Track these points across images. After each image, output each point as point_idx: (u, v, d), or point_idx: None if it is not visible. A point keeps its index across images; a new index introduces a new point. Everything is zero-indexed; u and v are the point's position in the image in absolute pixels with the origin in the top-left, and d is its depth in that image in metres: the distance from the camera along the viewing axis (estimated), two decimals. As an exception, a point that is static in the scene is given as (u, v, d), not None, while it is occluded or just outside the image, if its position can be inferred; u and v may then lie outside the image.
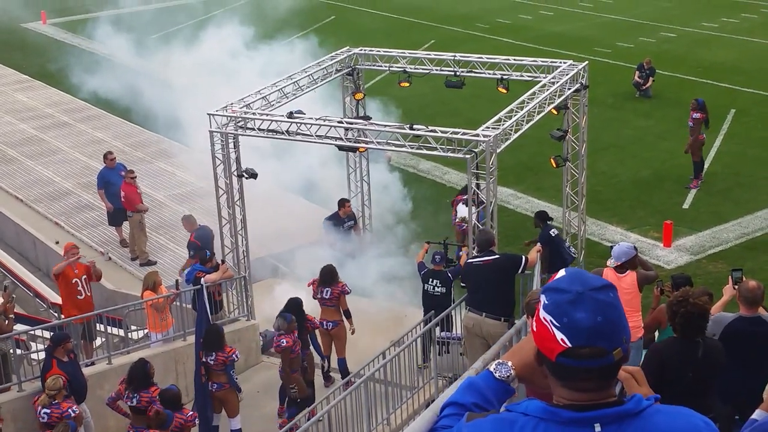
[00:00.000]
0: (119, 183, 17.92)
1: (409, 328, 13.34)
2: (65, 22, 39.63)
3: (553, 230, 15.26)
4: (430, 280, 13.49)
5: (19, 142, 24.85)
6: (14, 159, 23.68)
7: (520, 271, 11.53)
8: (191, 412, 11.11)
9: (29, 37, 38.44)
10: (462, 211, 16.85)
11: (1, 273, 17.72)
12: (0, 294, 13.62)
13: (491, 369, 2.85)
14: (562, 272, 2.63)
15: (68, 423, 10.91)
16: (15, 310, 13.52)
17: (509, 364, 2.85)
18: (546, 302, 2.57)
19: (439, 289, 13.40)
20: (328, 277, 13.75)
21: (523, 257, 11.63)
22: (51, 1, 42.87)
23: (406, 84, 17.10)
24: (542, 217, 15.51)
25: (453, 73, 16.51)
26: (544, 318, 2.55)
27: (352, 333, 13.92)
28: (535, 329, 2.60)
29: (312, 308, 13.77)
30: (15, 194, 21.43)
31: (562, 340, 2.51)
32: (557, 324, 2.52)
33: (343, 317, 13.88)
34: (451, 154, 13.40)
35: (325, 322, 13.80)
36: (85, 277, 14.30)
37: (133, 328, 15.10)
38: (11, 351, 12.65)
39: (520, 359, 2.85)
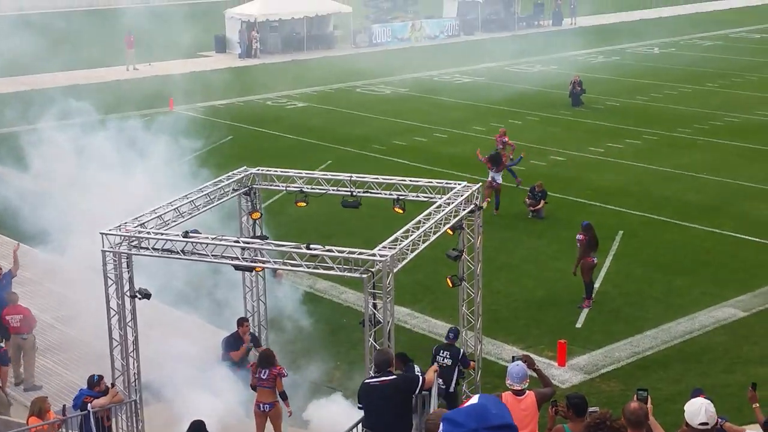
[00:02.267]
0: (1, 295, 17.49)
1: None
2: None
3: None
4: (442, 351, 15.32)
5: None
6: None
7: (417, 391, 11.44)
8: None
9: None
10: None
11: None
12: None
13: None
14: (474, 399, 2.66)
15: None
16: None
17: None
18: (442, 430, 2.59)
19: (446, 361, 15.07)
20: (265, 360, 14.59)
21: (420, 378, 11.58)
22: None
23: (303, 204, 17.17)
24: (404, 359, 15.07)
25: (349, 193, 16.67)
26: None
27: (289, 415, 14.69)
28: None
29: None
30: None
31: None
32: None
33: (279, 399, 14.64)
34: (348, 274, 13.42)
35: (261, 405, 14.58)
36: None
37: (15, 456, 14.34)
38: None
39: None
